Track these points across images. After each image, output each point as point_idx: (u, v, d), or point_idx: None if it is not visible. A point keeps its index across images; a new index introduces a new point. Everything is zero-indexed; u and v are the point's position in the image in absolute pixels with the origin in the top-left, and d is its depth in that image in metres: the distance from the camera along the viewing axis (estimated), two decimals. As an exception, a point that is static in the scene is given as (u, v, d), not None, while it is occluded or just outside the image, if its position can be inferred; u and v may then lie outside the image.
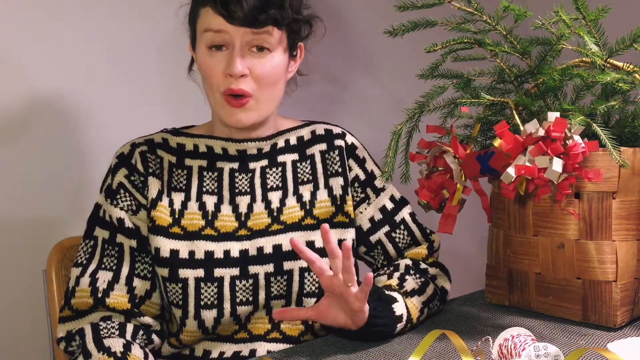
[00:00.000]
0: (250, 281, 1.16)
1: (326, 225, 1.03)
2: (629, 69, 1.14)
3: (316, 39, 1.28)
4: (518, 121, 1.09)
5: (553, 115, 1.02)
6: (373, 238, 1.28)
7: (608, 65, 1.14)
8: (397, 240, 1.29)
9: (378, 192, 1.29)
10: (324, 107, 2.10)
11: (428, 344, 0.91)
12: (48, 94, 1.59)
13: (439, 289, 1.26)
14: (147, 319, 1.14)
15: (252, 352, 1.17)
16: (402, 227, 1.29)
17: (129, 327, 1.11)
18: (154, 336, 1.14)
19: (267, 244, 1.18)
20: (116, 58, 1.67)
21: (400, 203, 1.31)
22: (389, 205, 1.29)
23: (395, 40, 1.22)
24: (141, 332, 1.12)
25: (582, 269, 1.13)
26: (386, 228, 1.28)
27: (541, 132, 1.01)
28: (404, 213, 1.30)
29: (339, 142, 1.29)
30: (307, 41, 1.26)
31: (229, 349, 1.18)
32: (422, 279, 1.23)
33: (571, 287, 1.15)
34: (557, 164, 0.99)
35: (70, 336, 1.10)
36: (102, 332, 1.08)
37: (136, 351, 1.06)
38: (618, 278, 1.10)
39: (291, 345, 1.18)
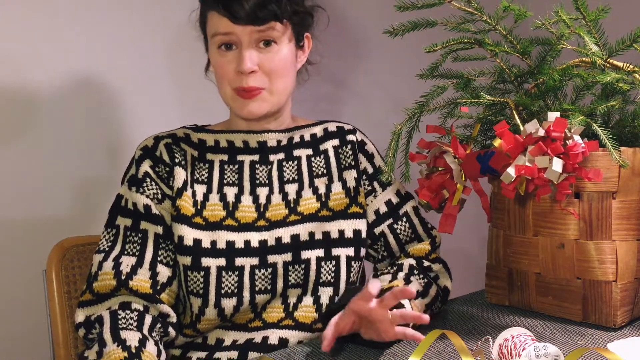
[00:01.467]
0: (269, 270, 1.19)
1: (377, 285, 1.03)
2: (629, 69, 1.14)
3: (321, 29, 1.31)
4: (518, 121, 1.09)
5: (553, 115, 1.02)
6: (377, 230, 1.30)
7: (608, 65, 1.14)
8: (398, 232, 1.30)
9: (384, 186, 1.32)
10: (325, 107, 2.10)
11: (428, 344, 0.91)
12: (48, 94, 1.59)
13: (441, 289, 1.26)
14: (165, 308, 1.14)
15: (265, 339, 1.18)
16: (404, 219, 1.31)
17: (147, 319, 1.11)
18: (170, 328, 1.15)
19: (285, 234, 1.21)
20: (119, 57, 1.67)
21: (405, 197, 1.33)
22: (394, 200, 1.31)
23: (395, 40, 1.22)
24: (158, 325, 1.12)
25: (582, 269, 1.13)
26: (389, 220, 1.30)
27: (541, 132, 1.01)
28: (408, 207, 1.32)
29: (350, 137, 1.33)
30: (314, 30, 1.30)
31: (242, 336, 1.19)
32: (426, 280, 1.24)
33: (571, 287, 1.15)
34: (557, 164, 0.99)
35: (90, 323, 1.11)
36: (120, 323, 1.08)
37: (150, 347, 1.06)
38: (618, 278, 1.10)
39: (303, 332, 1.20)
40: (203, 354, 1.19)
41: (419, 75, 1.25)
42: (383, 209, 1.30)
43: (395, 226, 1.30)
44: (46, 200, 1.58)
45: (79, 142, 1.63)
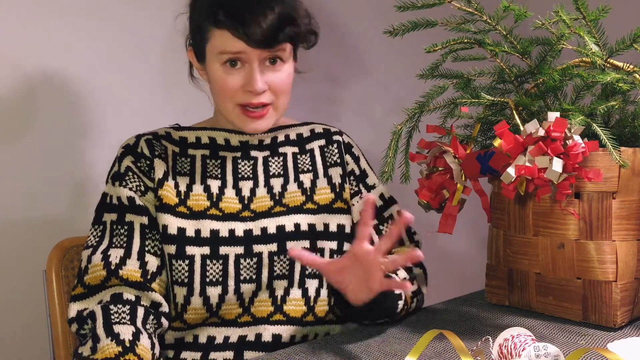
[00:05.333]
0: (255, 259, 1.19)
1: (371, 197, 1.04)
2: (629, 69, 1.14)
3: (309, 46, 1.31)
4: (518, 121, 1.09)
5: (553, 115, 1.02)
6: None
7: (608, 65, 1.14)
8: (383, 233, 1.31)
9: (369, 188, 1.34)
10: (324, 107, 2.10)
11: (425, 343, 0.90)
12: (48, 94, 1.59)
13: (419, 289, 1.29)
14: (157, 296, 1.15)
15: (258, 336, 1.19)
16: (389, 222, 1.33)
17: (140, 312, 1.11)
18: (163, 319, 1.15)
19: (270, 224, 1.22)
20: (118, 58, 1.67)
21: (389, 201, 1.35)
22: (379, 203, 1.34)
23: (395, 40, 1.22)
24: (151, 317, 1.13)
25: (582, 269, 1.13)
26: (374, 222, 1.31)
27: (541, 132, 1.01)
28: (392, 211, 1.35)
29: (337, 138, 1.35)
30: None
31: (234, 333, 1.20)
32: (410, 275, 1.27)
33: (571, 287, 1.15)
34: (557, 164, 0.99)
35: (82, 318, 1.11)
36: (112, 317, 1.09)
37: (144, 341, 1.07)
38: (618, 278, 1.10)
39: (295, 327, 1.21)
40: (197, 355, 1.19)
41: (419, 75, 1.26)
42: None
43: (380, 227, 1.32)
44: (46, 201, 1.58)
45: (79, 142, 1.63)
